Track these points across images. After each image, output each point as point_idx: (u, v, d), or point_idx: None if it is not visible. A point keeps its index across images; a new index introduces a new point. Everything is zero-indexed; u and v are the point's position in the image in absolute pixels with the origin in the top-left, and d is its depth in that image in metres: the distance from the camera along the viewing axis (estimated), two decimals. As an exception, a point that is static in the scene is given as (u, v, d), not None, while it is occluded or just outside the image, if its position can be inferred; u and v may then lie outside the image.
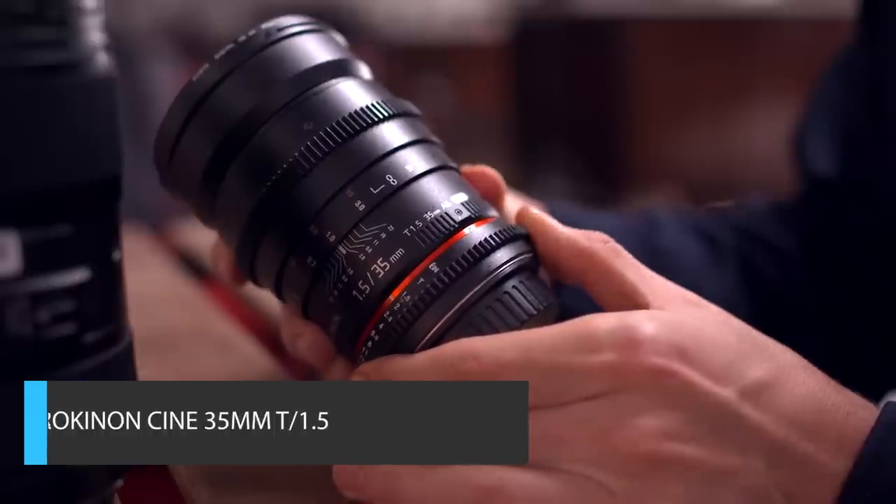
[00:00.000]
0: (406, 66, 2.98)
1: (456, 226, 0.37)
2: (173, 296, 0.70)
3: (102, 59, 0.33)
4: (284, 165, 0.38)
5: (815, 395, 0.33)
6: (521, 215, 0.40)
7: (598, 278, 0.37)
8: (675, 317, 0.34)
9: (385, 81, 0.42)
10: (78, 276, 0.32)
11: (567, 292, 0.42)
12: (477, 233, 0.37)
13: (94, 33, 0.33)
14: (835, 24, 1.23)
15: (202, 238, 0.80)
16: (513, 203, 0.45)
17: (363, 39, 2.75)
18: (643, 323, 0.33)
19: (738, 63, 2.65)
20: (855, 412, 0.34)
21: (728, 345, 0.33)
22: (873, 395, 0.35)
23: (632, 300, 0.36)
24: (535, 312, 0.37)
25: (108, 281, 0.33)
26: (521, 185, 0.48)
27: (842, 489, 0.32)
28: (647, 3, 2.82)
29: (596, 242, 0.38)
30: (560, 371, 0.32)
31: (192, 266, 0.80)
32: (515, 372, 0.32)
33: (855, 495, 0.32)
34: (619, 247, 0.38)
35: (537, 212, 0.40)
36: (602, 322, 0.33)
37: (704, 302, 0.36)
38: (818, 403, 0.33)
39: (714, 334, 0.34)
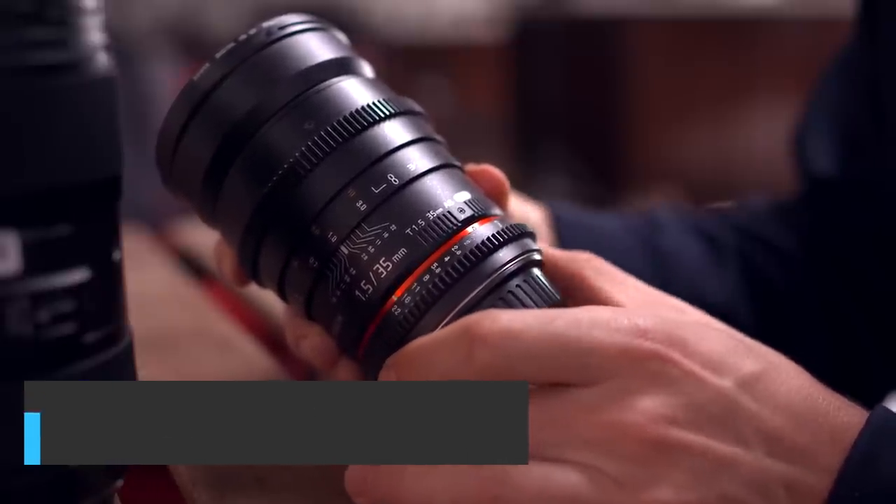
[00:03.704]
0: (406, 66, 2.98)
1: (459, 224, 0.37)
2: (173, 296, 0.70)
3: (102, 59, 0.33)
4: (286, 165, 0.38)
5: (807, 390, 0.34)
6: None
7: (581, 296, 0.38)
8: (668, 315, 0.35)
9: (385, 81, 0.42)
10: (78, 276, 0.32)
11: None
12: (480, 231, 0.37)
13: (94, 33, 0.32)
14: (835, 24, 1.23)
15: (202, 238, 0.80)
16: (514, 203, 0.45)
17: (363, 39, 2.75)
18: (642, 316, 0.33)
19: (738, 63, 2.65)
20: (845, 409, 0.34)
21: (720, 341, 0.34)
22: (875, 394, 0.35)
23: None
24: None
25: (108, 281, 0.33)
26: (521, 185, 0.48)
27: (833, 487, 0.32)
28: (647, 3, 2.82)
29: (578, 262, 0.39)
30: (577, 342, 0.32)
31: (192, 266, 0.80)
32: (535, 339, 0.32)
33: (844, 495, 0.32)
34: (602, 264, 0.39)
35: None
36: (609, 311, 0.34)
37: (689, 308, 0.37)
38: (810, 398, 0.34)
39: (704, 332, 0.34)
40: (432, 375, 0.34)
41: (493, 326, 0.33)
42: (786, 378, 0.34)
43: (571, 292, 0.39)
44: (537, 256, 0.38)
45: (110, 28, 0.34)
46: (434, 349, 0.34)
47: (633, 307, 0.37)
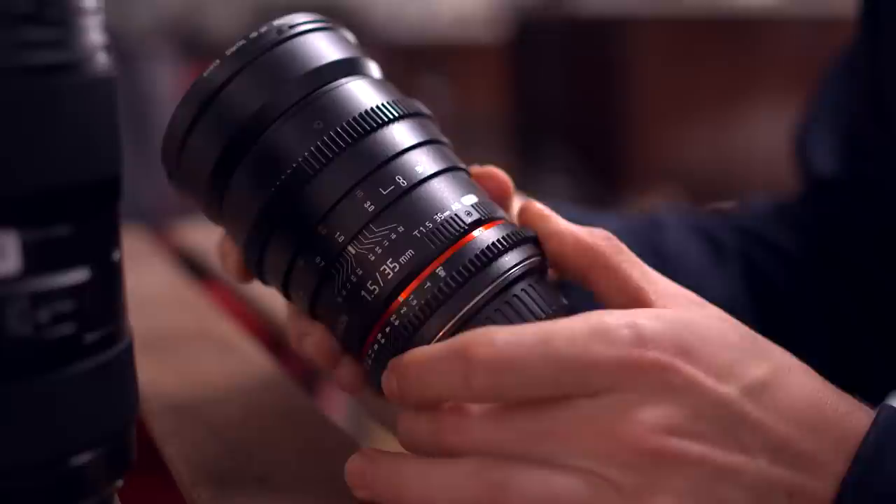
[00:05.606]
0: (406, 66, 2.98)
1: (465, 228, 0.37)
2: (173, 296, 0.70)
3: (102, 59, 0.33)
4: (294, 165, 0.38)
5: (814, 395, 0.34)
6: (524, 210, 0.40)
7: (601, 276, 0.37)
8: (678, 315, 0.34)
9: (387, 81, 0.42)
10: (78, 276, 0.32)
11: (573, 293, 0.42)
12: (486, 235, 0.37)
13: (94, 33, 0.32)
14: (835, 24, 1.23)
15: (202, 238, 0.80)
16: (515, 204, 0.45)
17: (363, 39, 2.75)
18: (648, 320, 0.33)
19: (739, 63, 2.65)
20: (853, 412, 0.34)
21: (730, 344, 0.34)
22: (876, 395, 0.35)
23: (635, 299, 0.36)
24: (543, 316, 0.37)
25: (108, 281, 0.33)
26: (521, 185, 0.48)
27: (839, 489, 0.32)
28: (647, 3, 2.82)
29: (599, 239, 0.38)
30: (575, 361, 0.32)
31: (192, 266, 0.80)
32: (532, 363, 0.32)
33: (852, 496, 0.32)
34: (621, 244, 0.38)
35: (541, 206, 0.40)
36: (611, 318, 0.33)
37: (706, 303, 0.36)
38: (818, 403, 0.33)
39: (716, 334, 0.34)
40: (430, 395, 0.34)
41: (488, 352, 0.32)
42: (794, 383, 0.34)
43: (589, 269, 0.37)
44: (542, 261, 0.38)
45: (110, 28, 0.34)
46: (432, 368, 0.34)
47: (649, 302, 0.36)
